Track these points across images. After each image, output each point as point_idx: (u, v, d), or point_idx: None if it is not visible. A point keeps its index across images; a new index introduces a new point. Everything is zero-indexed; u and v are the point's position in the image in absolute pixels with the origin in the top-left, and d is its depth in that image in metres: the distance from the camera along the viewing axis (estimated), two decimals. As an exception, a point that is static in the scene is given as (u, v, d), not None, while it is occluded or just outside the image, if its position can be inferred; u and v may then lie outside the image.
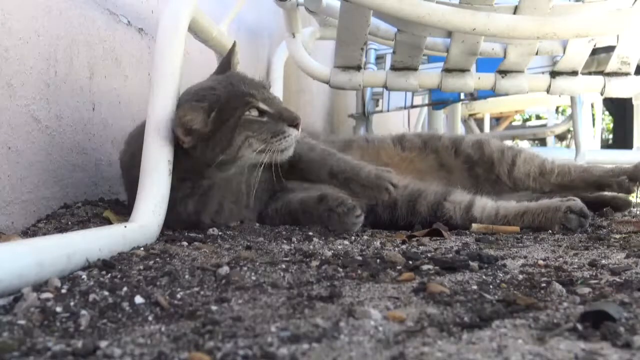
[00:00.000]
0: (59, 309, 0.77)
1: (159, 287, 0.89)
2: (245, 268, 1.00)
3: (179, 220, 1.43)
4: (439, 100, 3.43)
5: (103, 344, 0.65)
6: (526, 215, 1.54)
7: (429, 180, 1.75)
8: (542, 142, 8.83)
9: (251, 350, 0.63)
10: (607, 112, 8.45)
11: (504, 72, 2.03)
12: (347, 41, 1.95)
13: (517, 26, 1.57)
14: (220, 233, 1.39)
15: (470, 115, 5.34)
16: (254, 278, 0.95)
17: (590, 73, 2.18)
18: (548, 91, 2.04)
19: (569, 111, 5.47)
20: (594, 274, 1.00)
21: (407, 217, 1.62)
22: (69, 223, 1.39)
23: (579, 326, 0.70)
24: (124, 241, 1.14)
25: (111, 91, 1.76)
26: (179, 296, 0.85)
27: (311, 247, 1.24)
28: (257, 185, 1.48)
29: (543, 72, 2.32)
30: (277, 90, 2.81)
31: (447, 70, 2.03)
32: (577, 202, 1.51)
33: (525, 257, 1.16)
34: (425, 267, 1.03)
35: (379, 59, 3.36)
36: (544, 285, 0.91)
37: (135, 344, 0.66)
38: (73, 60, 1.56)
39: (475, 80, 2.04)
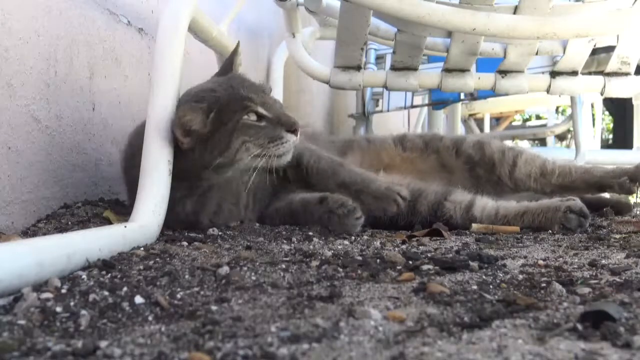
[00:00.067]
0: (59, 309, 0.77)
1: (159, 287, 0.89)
2: (245, 268, 1.00)
3: (178, 221, 1.43)
4: (439, 100, 3.43)
5: (103, 344, 0.65)
6: (526, 215, 1.54)
7: (430, 181, 1.75)
8: (542, 142, 8.83)
9: (251, 350, 0.63)
10: (607, 112, 8.45)
11: (504, 72, 2.03)
12: (347, 41, 1.95)
13: (517, 26, 1.57)
14: (220, 233, 1.39)
15: (470, 115, 5.34)
16: (254, 278, 0.95)
17: (590, 73, 2.18)
18: (548, 91, 2.04)
19: (569, 111, 5.47)
20: (594, 274, 1.00)
21: (407, 216, 1.62)
22: (69, 223, 1.39)
23: (579, 326, 0.70)
24: (124, 241, 1.14)
25: (111, 91, 1.76)
26: (179, 296, 0.85)
27: (311, 247, 1.24)
28: (256, 187, 1.49)
29: (543, 72, 2.32)
30: (277, 90, 2.81)
31: (447, 70, 2.03)
32: (576, 202, 1.51)
33: (525, 257, 1.16)
34: (425, 267, 1.03)
35: (379, 59, 3.36)
36: (544, 285, 0.91)
37: (135, 344, 0.66)
38: (73, 60, 1.56)
39: (475, 80, 2.04)
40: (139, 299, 0.82)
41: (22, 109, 1.36)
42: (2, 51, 1.28)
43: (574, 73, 2.01)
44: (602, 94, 2.04)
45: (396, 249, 1.24)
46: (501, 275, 0.99)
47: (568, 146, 8.45)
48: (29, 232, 1.33)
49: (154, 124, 1.38)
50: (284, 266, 1.03)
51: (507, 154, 1.85)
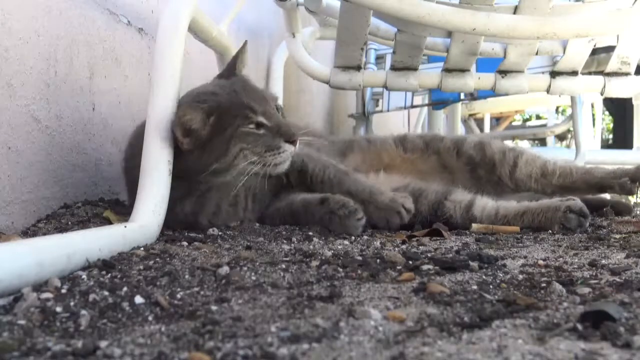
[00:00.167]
0: (59, 309, 0.77)
1: (159, 287, 0.89)
2: (245, 268, 1.00)
3: (178, 221, 1.43)
4: (439, 100, 3.43)
5: (103, 344, 0.65)
6: (526, 215, 1.54)
7: (430, 181, 1.75)
8: (542, 142, 8.83)
9: (251, 350, 0.63)
10: (607, 112, 8.45)
11: (504, 72, 2.03)
12: (347, 41, 1.95)
13: (517, 26, 1.57)
14: (220, 233, 1.39)
15: (470, 115, 5.34)
16: (254, 278, 0.95)
17: (590, 73, 2.18)
18: (548, 91, 2.03)
19: (569, 111, 5.47)
20: (594, 274, 1.00)
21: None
22: (69, 223, 1.39)
23: (579, 326, 0.70)
24: (124, 241, 1.14)
25: (111, 91, 1.76)
26: (179, 296, 0.85)
27: (311, 247, 1.24)
28: (256, 188, 1.50)
29: (543, 72, 2.31)
30: (277, 90, 2.81)
31: (447, 70, 2.03)
32: (576, 202, 1.51)
33: (525, 257, 1.16)
34: (425, 267, 1.03)
35: (379, 59, 3.36)
36: (544, 285, 0.91)
37: (135, 344, 0.66)
38: (73, 60, 1.56)
39: (475, 80, 2.03)
40: (139, 299, 0.82)
41: (22, 109, 1.36)
42: (2, 51, 1.28)
43: (574, 73, 2.01)
44: (602, 94, 2.04)
45: (396, 249, 1.24)
46: (501, 275, 0.99)
47: (568, 146, 8.45)
48: (29, 232, 1.33)
49: (154, 124, 1.39)
50: (284, 266, 1.03)
51: (507, 154, 1.85)
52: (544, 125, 7.84)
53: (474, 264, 1.05)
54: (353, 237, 1.38)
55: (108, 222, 1.42)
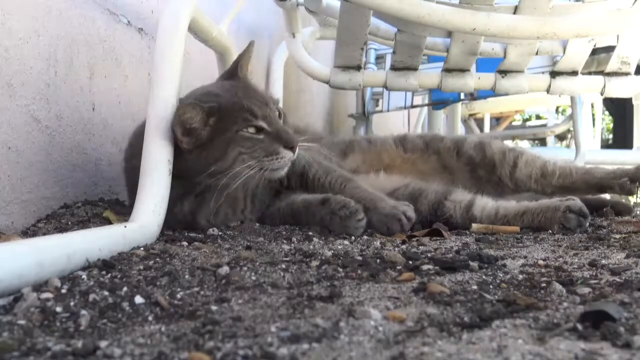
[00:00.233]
0: (59, 309, 0.77)
1: (159, 287, 0.89)
2: (245, 268, 1.00)
3: (177, 220, 1.43)
4: (439, 100, 3.43)
5: (103, 344, 0.65)
6: (526, 215, 1.54)
7: (430, 181, 1.75)
8: (542, 142, 8.84)
9: (251, 350, 0.63)
10: (607, 112, 8.45)
11: (504, 72, 2.03)
12: (347, 41, 1.95)
13: (517, 26, 1.57)
14: (220, 233, 1.39)
15: (470, 115, 5.34)
16: (254, 278, 0.95)
17: (590, 73, 2.18)
18: (548, 91, 2.03)
19: (569, 111, 5.47)
20: (594, 274, 1.00)
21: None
22: (69, 223, 1.39)
23: (579, 326, 0.70)
24: (124, 241, 1.14)
25: (111, 91, 1.76)
26: (179, 296, 0.85)
27: (311, 247, 1.24)
28: (256, 188, 1.51)
29: (543, 72, 2.31)
30: (277, 90, 2.81)
31: (447, 70, 2.03)
32: (576, 202, 1.51)
33: (525, 257, 1.16)
34: (425, 267, 1.03)
35: (379, 59, 3.36)
36: (544, 285, 0.91)
37: (135, 344, 0.66)
38: (73, 60, 1.56)
39: (475, 80, 2.03)
40: (139, 299, 0.82)
41: (22, 109, 1.36)
42: (2, 51, 1.28)
43: (574, 73, 2.01)
44: (602, 94, 2.04)
45: (396, 249, 1.24)
46: (501, 275, 0.99)
47: (568, 146, 8.45)
48: (29, 232, 1.33)
49: (154, 124, 1.39)
50: (284, 266, 1.03)
51: (507, 155, 1.85)
52: (544, 125, 7.85)
53: (474, 264, 1.05)
54: (353, 237, 1.38)
55: (108, 222, 1.42)
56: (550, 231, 1.49)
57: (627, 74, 2.00)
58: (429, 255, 1.15)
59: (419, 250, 1.22)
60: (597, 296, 0.85)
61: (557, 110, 8.00)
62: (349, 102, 4.22)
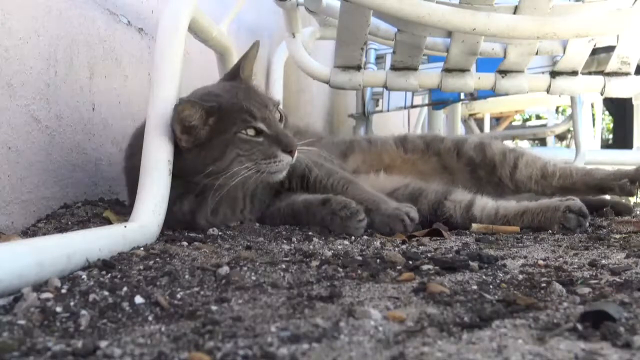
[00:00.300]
0: (59, 309, 0.77)
1: (159, 287, 0.89)
2: (245, 268, 1.00)
3: (176, 220, 1.43)
4: (439, 100, 3.43)
5: (103, 344, 0.65)
6: (526, 215, 1.54)
7: (431, 182, 1.75)
8: (542, 142, 8.84)
9: (251, 350, 0.63)
10: (607, 112, 8.45)
11: (504, 72, 2.03)
12: (347, 41, 1.95)
13: (517, 26, 1.57)
14: (220, 233, 1.39)
15: (470, 115, 5.34)
16: (254, 278, 0.95)
17: (590, 73, 2.18)
18: (548, 91, 2.03)
19: (569, 111, 5.47)
20: (594, 274, 1.00)
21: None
22: (69, 223, 1.39)
23: (579, 326, 0.70)
24: (124, 241, 1.14)
25: (111, 91, 1.76)
26: (179, 296, 0.85)
27: (311, 247, 1.24)
28: (256, 188, 1.51)
29: (543, 72, 2.31)
30: (277, 90, 2.81)
31: (447, 70, 2.03)
32: (576, 202, 1.51)
33: (525, 257, 1.16)
34: (425, 267, 1.03)
35: (379, 59, 3.36)
36: (544, 285, 0.91)
37: (135, 344, 0.66)
38: (73, 60, 1.56)
39: (475, 80, 2.03)
40: (139, 299, 0.82)
41: (22, 109, 1.36)
42: (2, 51, 1.28)
43: (574, 73, 2.01)
44: (602, 94, 2.04)
45: (396, 249, 1.24)
46: (501, 275, 0.99)
47: (568, 146, 8.45)
48: (29, 232, 1.33)
49: (154, 124, 1.39)
50: (284, 266, 1.03)
51: (508, 156, 1.85)
52: (544, 125, 7.85)
53: (474, 264, 1.05)
54: (353, 237, 1.38)
55: (108, 222, 1.42)
56: (550, 231, 1.49)
57: (627, 74, 2.00)
58: (429, 255, 1.15)
59: (419, 250, 1.22)
60: (597, 296, 0.85)
61: (557, 110, 8.00)
62: (349, 102, 4.22)
